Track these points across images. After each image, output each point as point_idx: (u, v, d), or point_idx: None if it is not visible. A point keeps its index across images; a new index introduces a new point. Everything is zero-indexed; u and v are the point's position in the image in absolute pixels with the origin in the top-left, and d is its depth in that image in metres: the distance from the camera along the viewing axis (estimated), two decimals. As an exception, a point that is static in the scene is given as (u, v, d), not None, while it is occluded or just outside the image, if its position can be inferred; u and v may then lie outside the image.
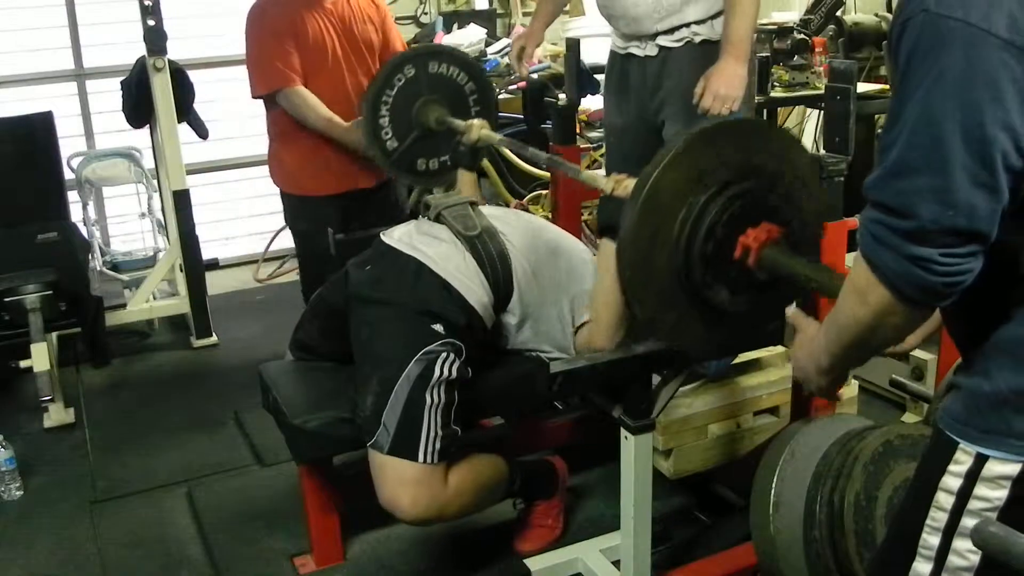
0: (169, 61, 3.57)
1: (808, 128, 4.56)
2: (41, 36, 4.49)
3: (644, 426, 1.90)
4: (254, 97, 3.00)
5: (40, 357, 3.07)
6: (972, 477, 1.09)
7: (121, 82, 3.89)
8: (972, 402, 1.11)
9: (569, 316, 2.16)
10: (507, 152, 4.05)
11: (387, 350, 2.01)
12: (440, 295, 2.04)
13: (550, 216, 3.21)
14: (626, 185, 1.80)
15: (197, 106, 3.93)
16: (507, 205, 3.65)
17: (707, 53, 2.43)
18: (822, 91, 2.51)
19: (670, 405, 2.22)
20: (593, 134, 4.24)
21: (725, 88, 2.29)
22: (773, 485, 1.71)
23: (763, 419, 2.49)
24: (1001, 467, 1.07)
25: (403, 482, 1.96)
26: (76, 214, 4.14)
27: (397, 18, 4.13)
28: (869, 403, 3.00)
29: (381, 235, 2.24)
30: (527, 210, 4.02)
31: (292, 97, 2.92)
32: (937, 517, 1.12)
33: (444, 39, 4.66)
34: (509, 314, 2.14)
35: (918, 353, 3.01)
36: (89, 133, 4.65)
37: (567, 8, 5.25)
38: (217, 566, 2.41)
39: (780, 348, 2.55)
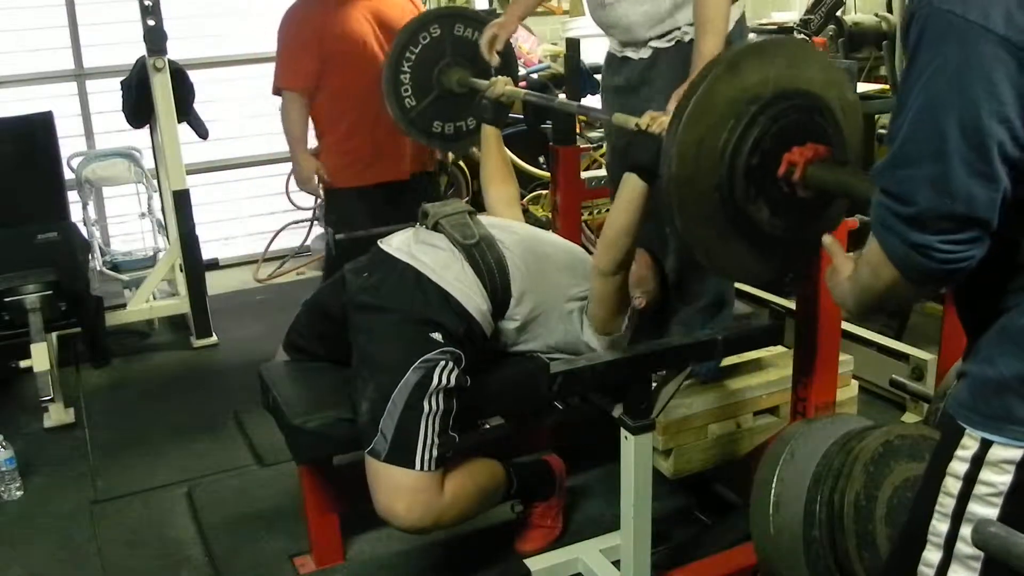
0: (169, 61, 3.57)
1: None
2: (41, 36, 4.49)
3: (644, 426, 1.90)
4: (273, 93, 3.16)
5: (40, 357, 3.07)
6: (978, 462, 1.11)
7: (121, 82, 3.89)
8: (977, 388, 1.13)
9: (573, 317, 2.16)
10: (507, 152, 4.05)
11: (385, 358, 2.01)
12: (439, 304, 2.04)
13: (550, 216, 3.22)
14: (661, 121, 1.80)
15: (197, 106, 3.93)
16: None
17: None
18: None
19: (670, 405, 2.23)
20: (593, 134, 4.25)
21: None
22: (773, 485, 1.71)
23: (763, 419, 2.49)
24: (1005, 452, 1.09)
25: (399, 490, 1.95)
26: (76, 214, 4.14)
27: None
28: (869, 403, 2.99)
29: (379, 242, 2.24)
30: (527, 210, 4.03)
31: (285, 101, 3.09)
32: (945, 503, 1.14)
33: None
34: (509, 320, 2.14)
35: (918, 353, 3.03)
36: (89, 133, 4.65)
37: (567, 9, 5.28)
38: (217, 566, 2.41)
39: (780, 348, 2.56)
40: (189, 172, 3.82)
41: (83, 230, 4.06)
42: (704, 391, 2.44)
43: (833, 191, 1.53)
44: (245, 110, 4.82)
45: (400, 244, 2.19)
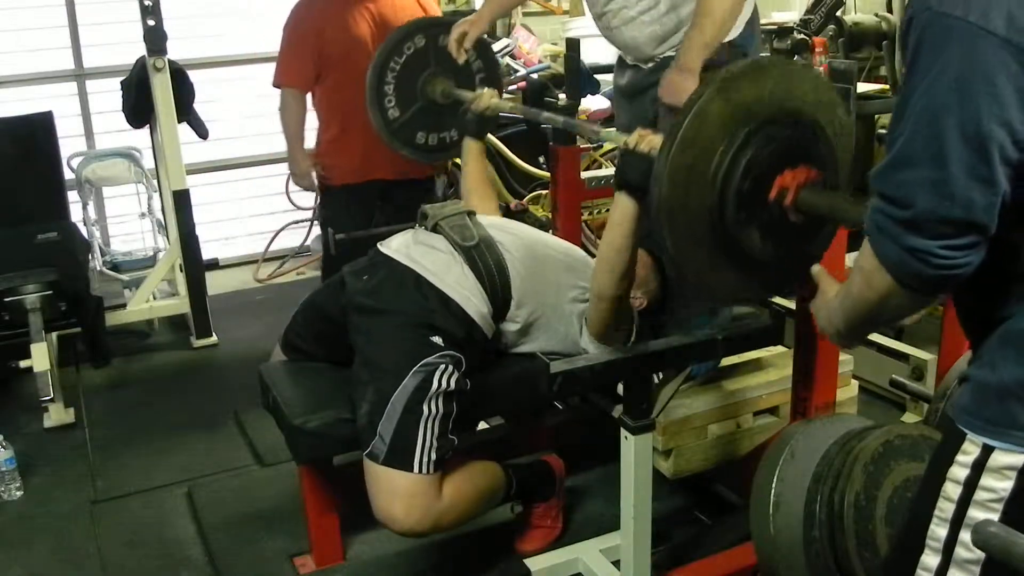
0: (169, 61, 3.57)
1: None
2: (41, 36, 4.49)
3: (644, 426, 1.90)
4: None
5: (40, 357, 3.06)
6: (979, 467, 1.10)
7: (121, 82, 3.89)
8: (979, 393, 1.13)
9: (573, 319, 2.15)
10: (507, 152, 4.06)
11: (385, 361, 2.00)
12: (439, 307, 2.03)
13: (550, 216, 3.21)
14: (650, 140, 1.77)
15: (197, 106, 3.93)
16: (507, 205, 3.65)
17: None
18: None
19: (670, 405, 2.23)
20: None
21: (668, 96, 2.31)
22: (773, 485, 1.71)
23: (763, 419, 2.49)
24: (1006, 458, 1.09)
25: (397, 493, 1.94)
26: (76, 214, 4.15)
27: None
28: (869, 403, 3.00)
29: (378, 244, 2.23)
30: (527, 210, 4.02)
31: (283, 97, 3.13)
32: (944, 508, 1.14)
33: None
34: (510, 322, 2.13)
35: (918, 353, 3.03)
36: (89, 133, 4.65)
37: (567, 9, 5.28)
38: (217, 566, 2.41)
39: (780, 348, 2.56)
40: (189, 172, 3.82)
41: (83, 230, 4.06)
42: (704, 391, 2.43)
43: (825, 216, 1.51)
44: (245, 110, 4.82)
45: (399, 246, 2.19)
